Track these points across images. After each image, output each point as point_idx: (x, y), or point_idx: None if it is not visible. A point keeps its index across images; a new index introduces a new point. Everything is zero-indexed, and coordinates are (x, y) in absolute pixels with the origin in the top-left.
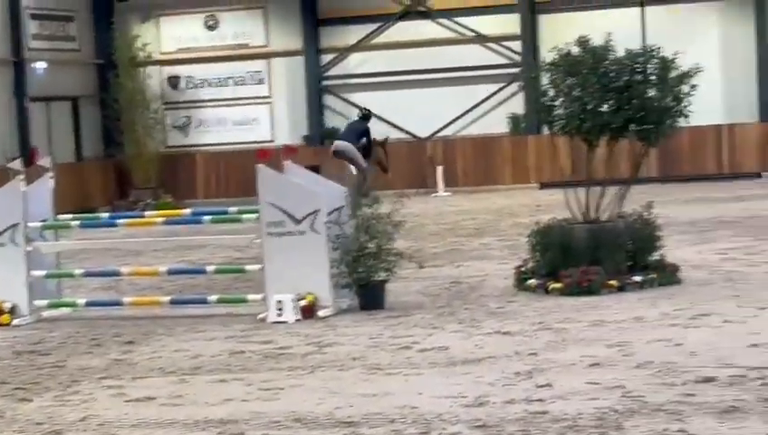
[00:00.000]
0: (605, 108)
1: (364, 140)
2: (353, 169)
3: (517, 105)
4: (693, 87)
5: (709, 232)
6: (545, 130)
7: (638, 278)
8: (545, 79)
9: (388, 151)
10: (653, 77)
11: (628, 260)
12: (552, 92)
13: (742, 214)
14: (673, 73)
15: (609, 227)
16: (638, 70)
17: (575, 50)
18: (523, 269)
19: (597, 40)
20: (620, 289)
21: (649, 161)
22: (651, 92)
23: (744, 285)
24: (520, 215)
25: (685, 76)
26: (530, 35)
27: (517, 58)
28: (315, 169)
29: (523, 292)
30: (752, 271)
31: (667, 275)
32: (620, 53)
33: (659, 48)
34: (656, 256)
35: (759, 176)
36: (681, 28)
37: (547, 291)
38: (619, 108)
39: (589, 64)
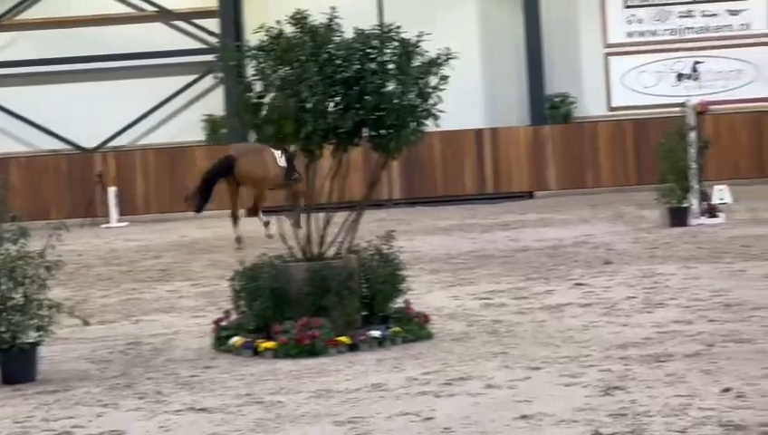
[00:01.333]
0: (330, 107)
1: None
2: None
3: (215, 104)
4: (443, 79)
5: (468, 270)
6: (253, 138)
7: (375, 333)
8: (251, 69)
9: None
10: (391, 66)
11: (362, 309)
12: (259, 87)
13: (509, 246)
14: (417, 61)
15: (337, 265)
16: (373, 56)
17: (289, 30)
18: (224, 324)
19: (318, 17)
20: (353, 347)
21: (391, 177)
22: (390, 86)
23: (511, 338)
24: (220, 251)
25: (432, 65)
26: (231, 11)
27: (214, 41)
28: None
29: (225, 354)
30: (521, 320)
31: (413, 329)
32: (349, 34)
33: (399, 28)
34: (399, 304)
35: (531, 196)
36: (429, 4)
37: (257, 352)
38: (348, 106)
39: (308, 49)
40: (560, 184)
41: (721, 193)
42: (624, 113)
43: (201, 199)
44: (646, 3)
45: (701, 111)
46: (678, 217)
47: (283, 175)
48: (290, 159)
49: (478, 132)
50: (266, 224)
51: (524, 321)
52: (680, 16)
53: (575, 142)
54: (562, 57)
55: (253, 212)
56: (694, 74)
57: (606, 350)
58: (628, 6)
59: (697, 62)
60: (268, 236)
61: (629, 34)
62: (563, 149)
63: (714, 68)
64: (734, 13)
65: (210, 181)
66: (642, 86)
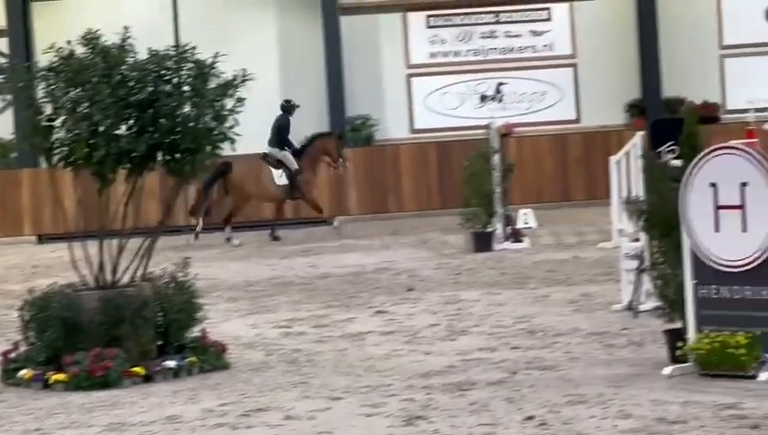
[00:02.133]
0: (123, 130)
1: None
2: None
3: (5, 127)
4: (240, 101)
5: (267, 297)
6: (43, 162)
7: (171, 363)
8: (41, 90)
9: (343, 156)
10: (187, 88)
11: (157, 339)
12: (49, 109)
13: (310, 272)
14: (213, 83)
15: (131, 293)
16: (167, 78)
17: (81, 51)
18: (12, 356)
19: (111, 37)
20: (148, 379)
21: (187, 203)
22: (185, 109)
23: (311, 368)
24: (8, 280)
25: (228, 87)
26: (21, 31)
27: (2, 61)
28: None
29: (14, 387)
30: (321, 349)
31: (210, 358)
32: (143, 55)
33: (195, 49)
34: (195, 333)
35: (328, 222)
36: (227, 25)
37: (47, 385)
38: (142, 130)
39: (99, 71)
40: (361, 208)
41: (525, 217)
42: (427, 136)
43: (202, 205)
44: (449, 23)
45: (505, 133)
46: (483, 241)
47: (283, 192)
48: (292, 178)
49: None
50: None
51: (325, 350)
52: (483, 37)
53: (376, 166)
54: (363, 78)
55: (225, 222)
56: (498, 96)
57: (408, 379)
58: (431, 27)
59: (501, 84)
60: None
61: (432, 55)
62: (365, 172)
63: (518, 90)
64: (537, 34)
65: (206, 187)
66: (445, 108)
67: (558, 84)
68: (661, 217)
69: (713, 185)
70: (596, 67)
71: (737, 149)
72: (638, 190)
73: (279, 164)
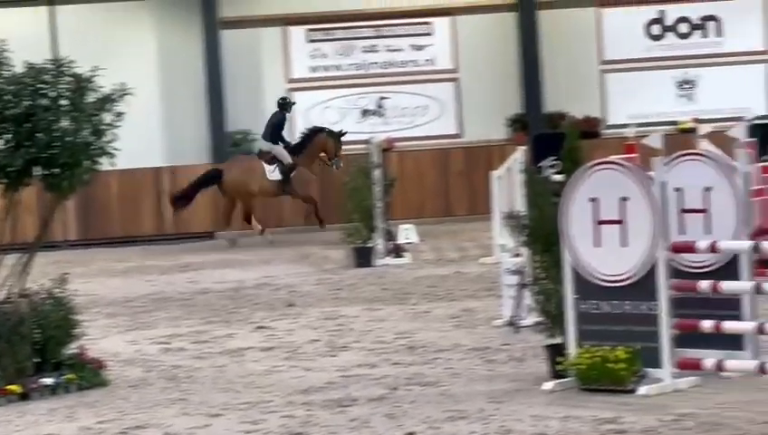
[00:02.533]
0: (0, 144)
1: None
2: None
3: None
4: (119, 116)
5: (146, 313)
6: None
7: (48, 380)
8: None
9: (338, 155)
10: (64, 102)
11: (34, 356)
12: None
13: (189, 288)
14: (91, 97)
15: (7, 310)
16: (44, 92)
17: None
18: None
19: None
20: (25, 396)
21: (66, 218)
22: (63, 123)
23: (190, 384)
24: None
25: (107, 101)
26: None
27: None
28: None
29: None
30: (201, 366)
31: (88, 375)
32: (20, 68)
33: (73, 63)
34: (73, 350)
35: (212, 236)
36: (107, 39)
37: None
38: (18, 144)
39: None
40: (242, 223)
41: (407, 232)
42: None
43: (184, 202)
44: (330, 37)
45: (386, 148)
46: (364, 257)
47: (275, 187)
48: (285, 172)
49: (157, 171)
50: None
51: (204, 366)
52: (365, 51)
53: None
54: (245, 92)
55: (246, 221)
56: (379, 110)
57: (288, 395)
58: (312, 41)
59: (383, 98)
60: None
61: (313, 69)
62: None
63: (399, 104)
64: (419, 48)
65: (194, 189)
66: (327, 122)
67: (440, 99)
68: (542, 232)
69: (593, 200)
70: (478, 81)
71: (617, 163)
72: (520, 205)
73: (273, 160)
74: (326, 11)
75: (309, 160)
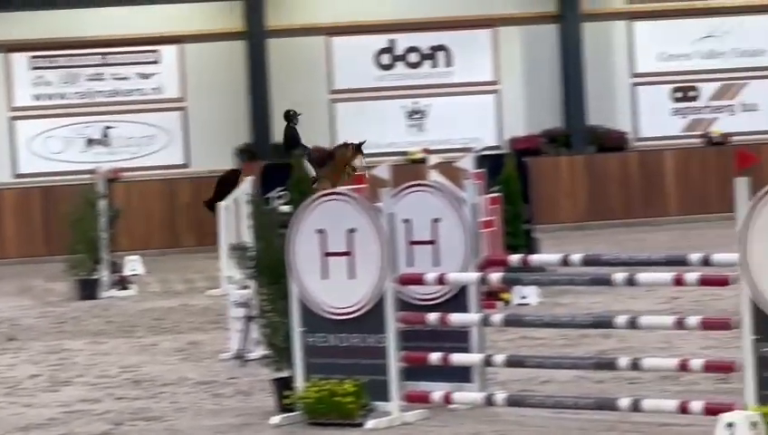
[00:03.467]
0: None
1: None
2: None
3: None
4: None
5: None
6: None
7: None
8: None
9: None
10: None
11: None
12: None
13: None
14: None
15: None
16: None
17: None
18: None
19: None
20: None
21: None
22: None
23: None
24: None
25: None
26: None
27: None
28: None
29: None
30: None
31: None
32: None
33: None
34: None
35: None
36: None
37: None
38: None
39: None
40: None
41: (133, 264)
42: (31, 181)
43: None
44: (53, 64)
45: (112, 178)
46: (88, 289)
47: None
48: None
49: None
50: None
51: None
52: (90, 79)
53: None
54: None
55: None
56: (105, 140)
57: (7, 433)
58: (35, 68)
59: (108, 127)
60: None
61: (37, 97)
62: None
63: (125, 133)
64: (145, 76)
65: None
66: (50, 152)
67: (166, 128)
68: (269, 264)
69: (320, 231)
70: (206, 111)
71: (344, 195)
72: (247, 236)
73: None
74: (50, 37)
75: (334, 175)
